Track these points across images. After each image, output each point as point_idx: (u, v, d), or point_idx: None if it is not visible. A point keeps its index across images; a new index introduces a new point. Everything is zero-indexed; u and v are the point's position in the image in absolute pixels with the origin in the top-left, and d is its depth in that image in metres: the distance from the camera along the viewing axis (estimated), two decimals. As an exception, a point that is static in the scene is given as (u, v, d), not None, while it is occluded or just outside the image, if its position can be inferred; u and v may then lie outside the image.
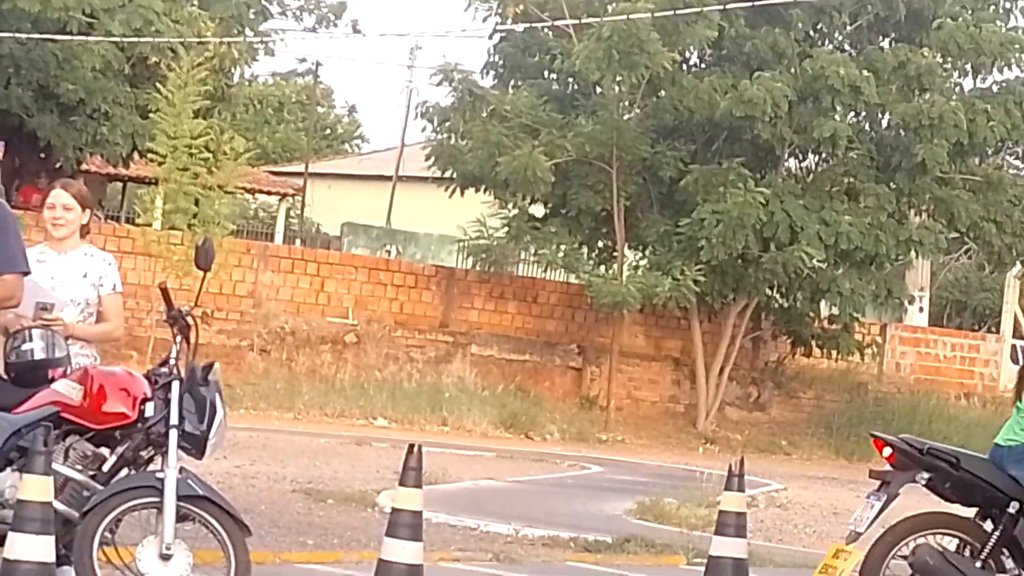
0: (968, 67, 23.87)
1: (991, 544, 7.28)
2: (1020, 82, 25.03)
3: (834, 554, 7.53)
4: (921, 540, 7.43)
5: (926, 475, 7.34)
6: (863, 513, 7.45)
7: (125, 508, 6.10)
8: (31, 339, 6.27)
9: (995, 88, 24.28)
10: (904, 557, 7.32)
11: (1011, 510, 7.22)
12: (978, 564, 7.29)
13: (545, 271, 25.43)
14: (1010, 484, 7.31)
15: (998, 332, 30.31)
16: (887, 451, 7.56)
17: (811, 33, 24.09)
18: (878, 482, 7.55)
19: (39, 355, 6.27)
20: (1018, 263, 27.42)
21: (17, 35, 21.17)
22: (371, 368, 23.50)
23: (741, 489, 8.28)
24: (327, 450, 17.41)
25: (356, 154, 43.10)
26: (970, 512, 7.53)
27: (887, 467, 7.56)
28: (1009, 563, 7.29)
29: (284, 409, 21.32)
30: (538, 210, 25.03)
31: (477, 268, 25.09)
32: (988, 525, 7.42)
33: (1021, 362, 9.03)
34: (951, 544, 7.55)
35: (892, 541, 7.43)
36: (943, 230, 24.50)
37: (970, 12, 24.77)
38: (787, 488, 17.98)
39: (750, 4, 22.41)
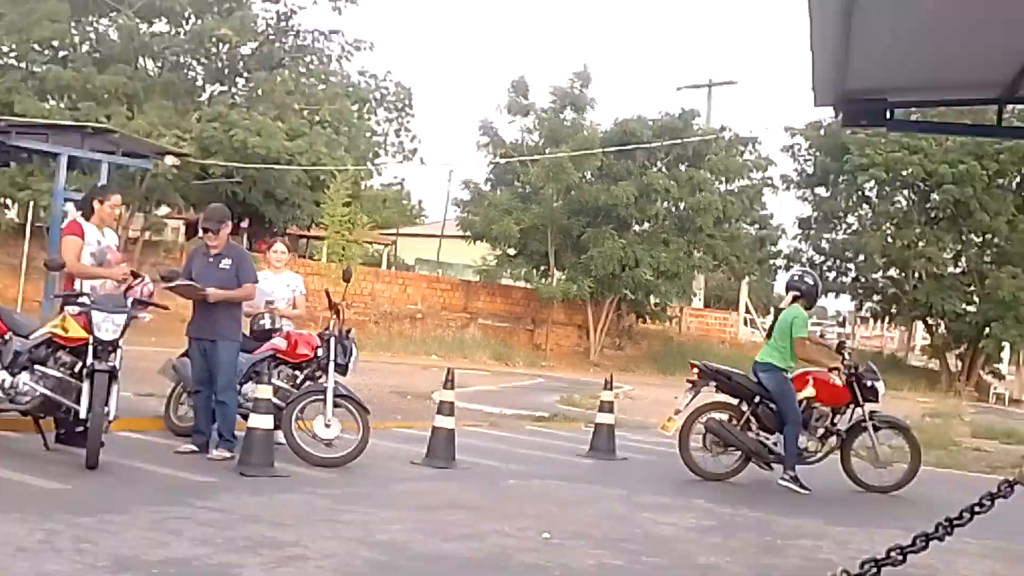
0: (723, 179, 36.03)
1: (745, 417, 10.75)
2: (749, 188, 36.96)
3: (667, 420, 10.88)
4: (710, 414, 10.89)
5: (714, 382, 10.85)
6: (682, 400, 10.86)
7: (307, 401, 9.52)
8: (264, 318, 10.37)
9: (735, 189, 36.62)
10: (703, 423, 10.79)
11: (756, 400, 10.72)
12: (738, 427, 10.74)
13: (515, 282, 37.66)
14: (758, 386, 10.75)
15: (738, 311, 44.64)
16: (695, 369, 11.03)
17: (645, 162, 35.55)
18: (690, 384, 11.01)
19: (268, 326, 10.32)
20: (747, 276, 41.01)
21: (255, 166, 30.46)
22: (429, 330, 34.76)
23: (611, 389, 12.62)
24: (408, 372, 23.02)
25: (422, 224, 58.61)
26: (735, 400, 10.94)
27: (695, 378, 11.02)
28: (754, 426, 10.80)
29: (386, 351, 28.90)
30: (511, 252, 36.63)
31: (481, 280, 37.30)
32: (744, 407, 10.83)
33: (772, 312, 12.00)
34: (725, 416, 10.91)
35: (696, 414, 10.83)
36: (710, 261, 37.45)
37: (734, 152, 36.46)
38: (634, 389, 24.29)
39: (615, 149, 34.48)
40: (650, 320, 39.08)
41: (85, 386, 8.49)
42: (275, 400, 9.39)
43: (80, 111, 29.53)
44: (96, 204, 9.44)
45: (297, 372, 10.32)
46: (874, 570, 2.35)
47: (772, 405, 10.85)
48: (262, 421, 8.95)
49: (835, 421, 11.16)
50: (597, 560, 6.77)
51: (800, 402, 10.82)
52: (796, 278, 11.32)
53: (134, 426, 10.66)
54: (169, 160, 23.42)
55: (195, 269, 9.75)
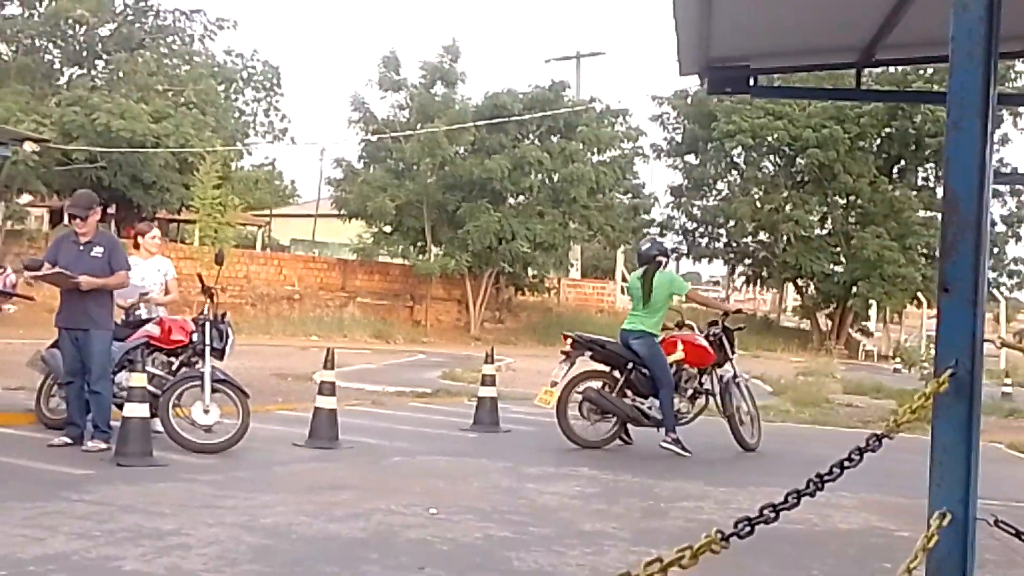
0: (595, 149, 36.67)
1: (620, 384, 10.89)
2: (621, 158, 37.59)
3: (544, 393, 10.97)
4: (586, 384, 11.00)
5: (588, 352, 10.98)
6: (557, 372, 10.97)
7: (184, 387, 9.45)
8: (140, 309, 10.25)
9: (607, 159, 37.03)
10: (579, 392, 10.93)
11: (629, 367, 10.81)
12: (614, 395, 10.89)
13: (393, 259, 37.56)
14: (630, 353, 10.86)
15: (614, 279, 44.74)
16: (569, 340, 11.08)
17: (518, 135, 36.05)
18: (564, 356, 11.07)
19: (143, 315, 10.20)
20: (622, 245, 41.43)
21: (120, 150, 30.60)
22: (307, 311, 34.42)
23: (492, 362, 12.79)
24: (287, 353, 23.00)
25: (295, 204, 57.84)
26: (608, 368, 11.02)
27: (569, 349, 11.05)
28: (629, 393, 10.93)
29: (264, 334, 29.37)
30: (387, 229, 36.44)
31: (358, 259, 37.01)
32: (617, 374, 10.94)
33: (641, 275, 11.10)
34: (600, 384, 11.02)
35: (572, 384, 10.98)
36: (585, 231, 37.75)
37: (605, 123, 36.84)
38: (515, 361, 24.59)
39: (487, 123, 34.80)
40: (529, 292, 39.39)
41: (-51, 382, 8.18)
42: (150, 388, 9.29)
43: (-69, 99, 28.56)
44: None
45: (172, 359, 10.14)
46: (748, 528, 2.40)
47: (644, 371, 10.99)
48: (138, 410, 8.81)
49: (702, 381, 11.36)
50: (484, 533, 6.80)
51: (670, 365, 10.99)
52: (649, 245, 11.57)
53: (4, 421, 10.40)
54: (29, 147, 22.58)
55: (64, 257, 9.47)
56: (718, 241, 44.10)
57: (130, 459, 8.67)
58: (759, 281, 45.98)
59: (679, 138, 43.09)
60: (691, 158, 43.31)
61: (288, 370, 18.48)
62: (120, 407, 9.13)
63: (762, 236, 43.34)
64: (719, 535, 2.35)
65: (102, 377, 9.40)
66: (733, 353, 11.44)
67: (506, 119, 35.36)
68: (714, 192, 44.21)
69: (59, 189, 32.66)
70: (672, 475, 9.64)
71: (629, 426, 11.29)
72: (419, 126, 34.79)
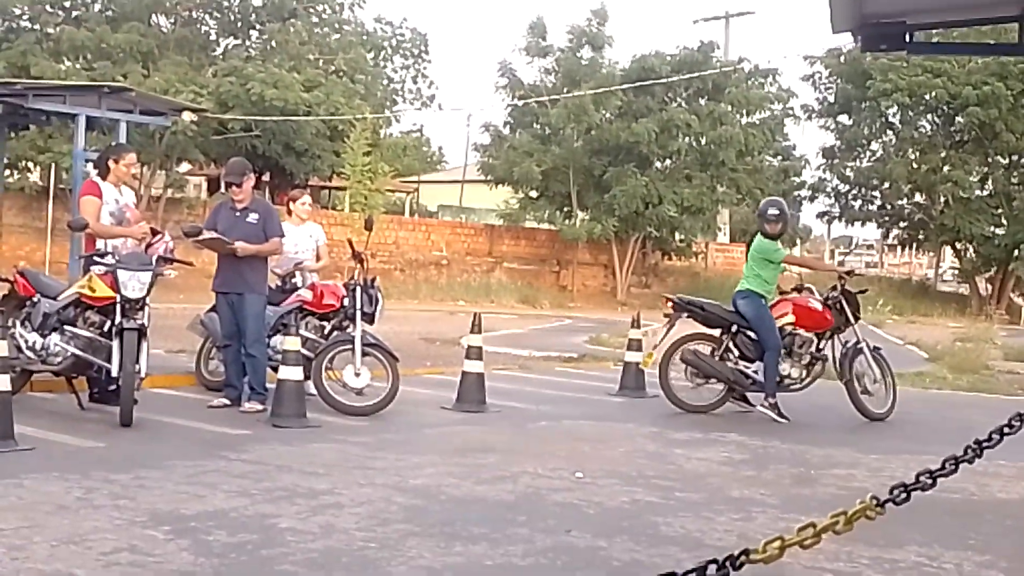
0: (744, 111, 36.50)
1: (723, 347, 10.67)
2: (771, 120, 37.31)
3: (647, 356, 11.43)
4: (688, 345, 10.80)
5: (687, 314, 10.92)
6: (658, 334, 11.23)
7: (336, 350, 9.64)
8: (295, 277, 10.52)
9: (757, 121, 36.81)
10: (681, 356, 10.74)
11: (733, 329, 10.61)
12: (717, 357, 10.66)
13: (539, 224, 37.90)
14: (734, 315, 10.60)
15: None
16: (670, 303, 11.06)
17: (665, 98, 36.00)
18: (666, 318, 11.11)
19: (299, 283, 10.51)
20: (770, 210, 42.92)
21: (273, 118, 31.02)
22: (454, 276, 35.40)
23: (639, 327, 12.75)
24: (435, 318, 23.70)
25: (443, 170, 58.95)
26: (715, 331, 10.80)
27: (670, 311, 11.01)
28: (734, 355, 10.68)
29: (412, 298, 30.11)
30: (533, 194, 36.85)
31: (505, 224, 37.56)
32: (724, 337, 10.69)
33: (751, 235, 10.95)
34: (705, 348, 10.79)
35: (674, 347, 10.87)
36: (734, 195, 37.66)
37: (754, 84, 37.06)
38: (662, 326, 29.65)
39: (634, 86, 34.87)
40: (676, 257, 39.47)
41: (115, 345, 8.54)
42: (304, 351, 9.46)
43: (96, 71, 29.79)
44: (111, 163, 9.46)
45: (324, 323, 10.37)
46: (903, 495, 2.34)
47: (751, 333, 10.70)
48: (292, 372, 9.00)
49: (821, 347, 10.94)
50: (631, 497, 6.80)
51: (780, 329, 10.67)
52: (760, 206, 11.29)
53: (166, 382, 10.76)
54: (187, 116, 23.37)
55: (221, 223, 9.74)
56: (872, 204, 43.04)
57: (285, 420, 8.90)
58: (915, 245, 44.82)
59: (831, 98, 42.11)
60: (844, 118, 42.37)
61: (436, 334, 18.69)
62: (275, 370, 9.35)
63: (918, 198, 42.21)
64: (874, 501, 2.29)
65: (257, 340, 9.66)
66: (857, 318, 10.95)
67: (653, 82, 35.13)
68: (868, 153, 43.15)
69: (216, 158, 33.47)
70: (823, 442, 9.48)
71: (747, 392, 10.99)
72: (565, 91, 34.90)
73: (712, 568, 2.04)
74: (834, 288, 10.97)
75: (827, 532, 2.22)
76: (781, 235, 11.11)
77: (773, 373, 10.59)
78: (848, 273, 11.37)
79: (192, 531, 5.40)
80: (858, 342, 10.88)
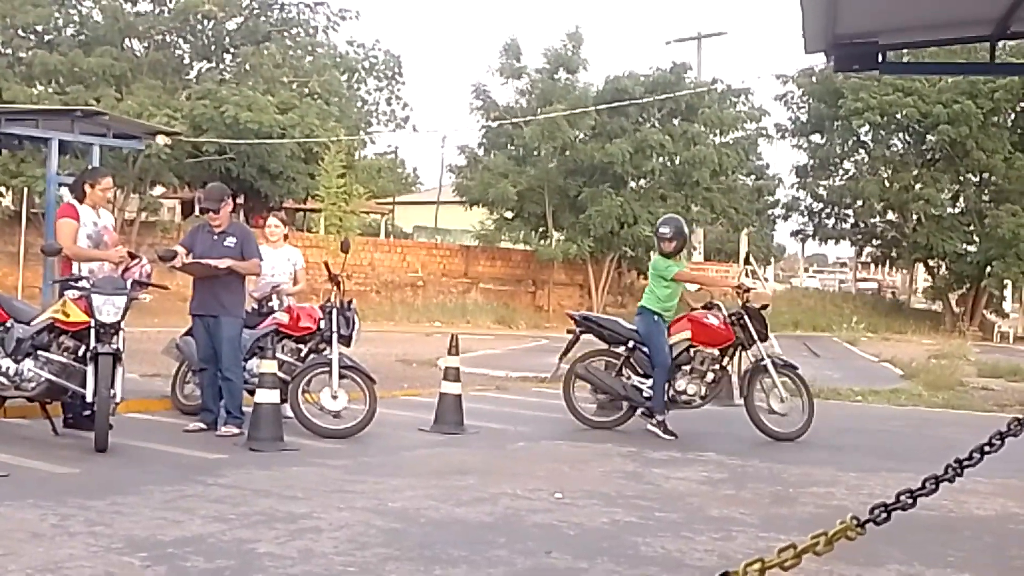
0: (717, 131, 36.72)
1: (620, 363, 10.78)
2: (744, 140, 37.59)
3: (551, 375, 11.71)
4: (585, 362, 10.93)
5: (587, 331, 11.04)
6: (563, 351, 11.16)
7: (313, 373, 9.67)
8: (272, 300, 10.52)
9: (730, 141, 37.10)
10: (576, 372, 10.87)
11: (630, 345, 10.68)
12: (614, 373, 10.77)
13: (515, 245, 38.08)
14: (632, 332, 10.74)
15: (738, 262, 43.25)
16: (572, 322, 11.31)
17: (639, 118, 36.13)
18: (571, 334, 11.18)
19: (276, 306, 10.45)
20: (746, 227, 41.17)
21: (248, 141, 30.75)
22: (430, 297, 35.44)
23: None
24: (411, 339, 23.43)
25: (418, 191, 58.90)
26: (613, 346, 10.88)
27: (573, 327, 11.17)
28: (627, 372, 10.71)
29: (388, 320, 30.39)
30: (509, 215, 37.06)
31: (480, 245, 37.36)
32: (623, 352, 10.74)
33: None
34: (600, 364, 10.91)
35: (576, 363, 11.01)
36: (708, 214, 37.89)
37: (727, 104, 36.88)
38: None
39: (608, 107, 34.72)
40: (653, 277, 39.04)
41: (90, 370, 8.48)
42: (280, 374, 9.47)
43: (68, 95, 29.66)
44: (87, 187, 9.43)
45: (301, 346, 10.34)
46: (884, 515, 2.34)
47: (645, 349, 10.70)
48: (269, 396, 9.00)
49: (723, 364, 10.79)
50: (610, 518, 6.78)
51: (678, 345, 10.64)
52: (658, 226, 11.11)
53: (141, 407, 10.69)
54: (161, 140, 23.26)
55: (199, 247, 9.74)
56: (845, 222, 43.29)
57: (262, 444, 8.87)
58: (888, 262, 44.99)
59: (804, 117, 42.39)
60: (816, 137, 42.62)
61: (412, 356, 18.68)
62: (252, 393, 9.35)
63: (891, 216, 42.43)
64: (854, 521, 2.29)
65: (234, 363, 9.62)
66: (764, 336, 10.66)
67: (627, 103, 35.16)
68: (840, 171, 43.42)
69: (190, 180, 33.49)
70: (801, 460, 9.50)
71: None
72: (539, 111, 34.85)
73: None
74: (742, 302, 10.90)
75: (807, 553, 2.21)
76: (677, 252, 11.09)
77: (660, 390, 10.53)
78: (741, 288, 11.17)
79: (170, 557, 5.35)
80: (761, 360, 10.61)
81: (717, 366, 10.70)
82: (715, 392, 10.78)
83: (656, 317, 10.63)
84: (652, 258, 11.01)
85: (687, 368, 10.64)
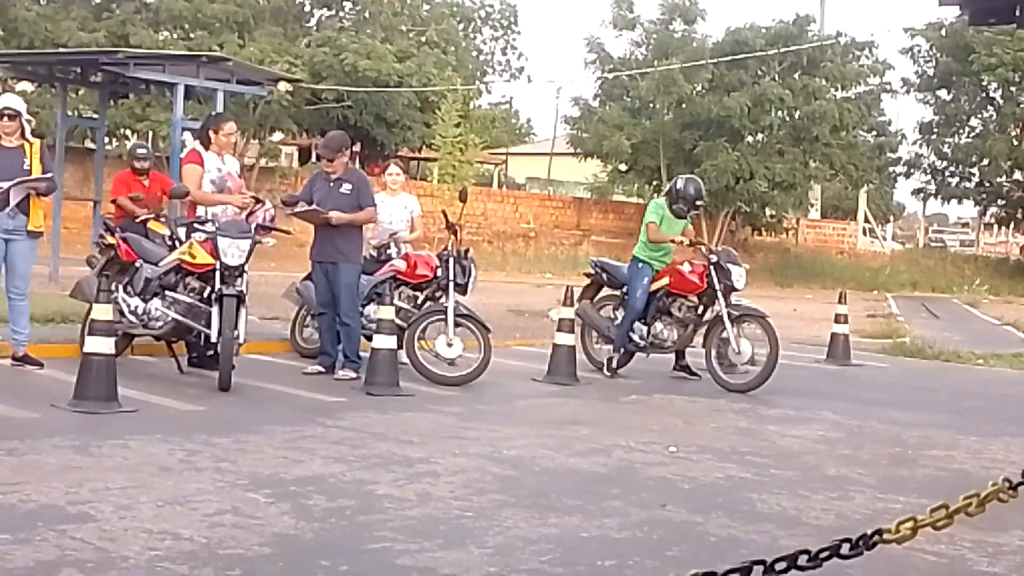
0: (839, 86, 35.77)
1: (618, 304, 11.28)
2: (867, 94, 36.72)
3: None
4: (603, 304, 11.41)
5: (599, 276, 11.53)
6: (581, 294, 11.42)
7: (429, 321, 9.84)
8: (390, 247, 10.61)
9: (852, 96, 36.11)
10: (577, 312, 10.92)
11: (624, 289, 11.08)
12: (600, 311, 11.33)
13: (628, 198, 38.47)
14: (625, 276, 11.13)
15: (856, 220, 43.69)
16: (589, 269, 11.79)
17: (758, 71, 35.40)
18: (588, 278, 11.69)
19: (393, 253, 10.58)
20: (865, 184, 40.61)
21: (366, 89, 31.40)
22: (542, 248, 34.95)
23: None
24: (523, 290, 22.90)
25: (531, 142, 59.11)
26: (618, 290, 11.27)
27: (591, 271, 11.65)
28: (618, 314, 11.12)
29: (501, 270, 29.05)
30: (622, 168, 36.91)
31: (593, 198, 38.13)
32: (619, 294, 11.24)
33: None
34: (612, 306, 11.33)
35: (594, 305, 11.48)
36: (827, 170, 37.31)
37: (850, 58, 36.36)
38: (751, 302, 24.84)
39: (727, 59, 34.36)
40: (766, 232, 38.80)
41: (214, 311, 8.72)
42: (397, 321, 9.57)
43: (193, 41, 30.25)
44: (212, 133, 9.67)
45: (417, 293, 10.47)
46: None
47: None
48: (386, 341, 9.10)
49: (700, 313, 10.96)
50: (724, 473, 6.76)
51: (657, 291, 10.90)
52: (674, 181, 11.37)
53: (262, 349, 10.94)
54: (283, 86, 23.61)
55: (317, 194, 9.87)
56: (969, 181, 41.70)
57: (379, 388, 8.98)
58: (1012, 223, 43.59)
59: (931, 72, 40.88)
60: (943, 93, 41.13)
61: (524, 306, 18.66)
62: (369, 339, 9.49)
63: (1018, 176, 40.88)
64: (1007, 483, 2.23)
65: (351, 309, 9.76)
66: (729, 289, 10.61)
67: (746, 55, 34.52)
68: (967, 129, 41.71)
69: (308, 127, 33.90)
70: (920, 423, 9.34)
71: (689, 360, 11.26)
72: (656, 64, 34.42)
73: (845, 547, 2.02)
74: (705, 254, 10.93)
75: (959, 513, 2.17)
76: (680, 216, 11.11)
77: (624, 330, 10.93)
78: (691, 244, 11.12)
79: (292, 495, 5.49)
80: (721, 312, 10.57)
81: (693, 314, 10.97)
82: (689, 338, 11.09)
83: (641, 264, 10.96)
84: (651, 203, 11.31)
85: (665, 314, 10.98)
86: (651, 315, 10.93)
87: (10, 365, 8.93)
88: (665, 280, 10.92)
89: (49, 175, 8.88)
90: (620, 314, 11.15)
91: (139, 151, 11.37)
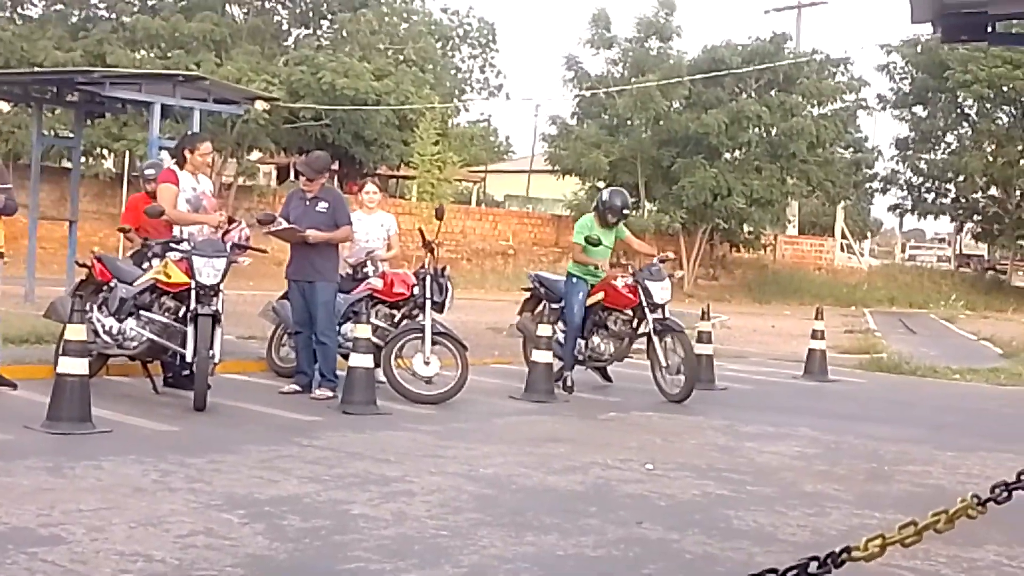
0: (815, 102, 35.91)
1: (557, 318, 11.31)
2: (843, 111, 36.78)
3: (510, 325, 12.63)
4: (525, 315, 11.73)
5: (537, 289, 11.80)
6: (520, 307, 11.95)
7: (406, 339, 9.77)
8: (367, 266, 10.53)
9: (828, 112, 36.24)
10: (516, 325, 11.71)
11: (561, 303, 11.24)
12: (536, 324, 11.11)
13: None
14: (562, 291, 11.31)
15: (834, 236, 43.92)
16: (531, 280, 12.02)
17: (735, 88, 35.42)
18: (527, 292, 11.97)
19: (370, 272, 10.48)
20: (842, 200, 40.80)
21: (344, 107, 31.42)
22: (521, 266, 34.25)
23: (708, 319, 13.04)
24: (502, 308, 20.61)
25: (510, 160, 59.23)
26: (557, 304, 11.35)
27: (531, 286, 11.86)
28: (558, 328, 11.17)
29: (480, 288, 29.09)
30: (601, 185, 34.27)
31: (572, 214, 35.47)
32: (557, 307, 11.32)
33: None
34: (535, 318, 11.38)
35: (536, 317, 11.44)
36: (804, 186, 37.18)
37: (826, 74, 36.36)
38: (730, 319, 24.15)
39: (704, 76, 34.19)
40: (744, 249, 38.88)
41: (190, 330, 8.68)
42: (374, 339, 9.55)
43: (170, 59, 30.24)
44: (188, 153, 9.64)
45: (394, 311, 10.46)
46: (1005, 494, 2.28)
47: None
48: (362, 360, 9.09)
49: (635, 326, 11.21)
50: (702, 490, 6.75)
51: (593, 306, 11.10)
52: (600, 194, 11.61)
53: (238, 368, 10.89)
54: (260, 105, 23.60)
55: (293, 212, 9.88)
56: (945, 197, 41.95)
57: (355, 407, 8.96)
58: (989, 239, 43.65)
59: (907, 88, 41.16)
60: (919, 109, 41.47)
61: (503, 324, 18.44)
62: (345, 357, 9.48)
63: (993, 191, 41.09)
64: (975, 499, 2.24)
65: (328, 327, 9.75)
66: (653, 306, 10.85)
67: (724, 72, 34.63)
68: (943, 145, 42.02)
69: (286, 146, 33.98)
70: (897, 438, 9.34)
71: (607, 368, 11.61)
72: (632, 81, 34.45)
73: (813, 565, 2.01)
74: (631, 273, 11.21)
75: (928, 530, 2.17)
76: (607, 225, 11.29)
77: (568, 347, 11.13)
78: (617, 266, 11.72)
79: (267, 515, 5.45)
80: (651, 326, 10.88)
81: (628, 328, 11.20)
82: (625, 351, 11.33)
83: (575, 280, 11.14)
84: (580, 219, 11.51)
85: (602, 328, 11.21)
86: (588, 329, 11.19)
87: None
88: (600, 295, 11.14)
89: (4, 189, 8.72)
90: (560, 328, 11.29)
91: (148, 172, 10.97)
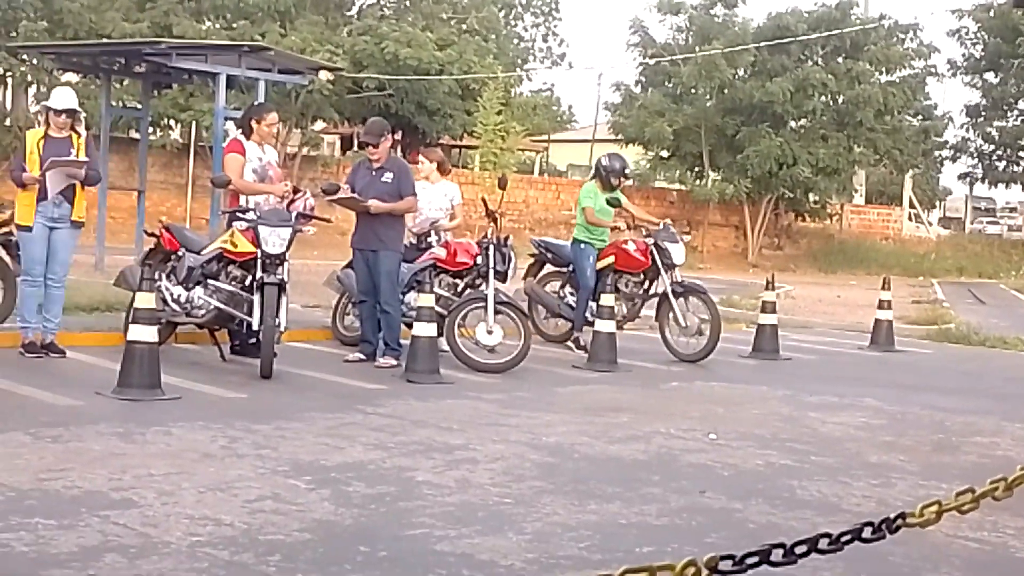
0: (883, 69, 35.42)
1: (564, 282, 11.72)
2: (912, 78, 36.23)
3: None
4: (548, 282, 11.87)
5: (544, 254, 11.97)
6: (526, 272, 11.88)
7: (469, 308, 9.87)
8: (430, 235, 10.68)
9: (897, 79, 35.75)
10: (525, 290, 11.56)
11: (571, 268, 11.51)
12: (546, 288, 11.82)
13: (670, 184, 38.03)
14: (567, 254, 11.63)
15: (901, 206, 43.43)
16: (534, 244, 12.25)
17: (801, 56, 35.02)
18: (532, 257, 12.02)
19: (434, 241, 10.65)
20: (910, 169, 40.37)
21: (407, 77, 31.15)
22: None
23: (772, 288, 12.78)
24: None
25: (572, 129, 59.19)
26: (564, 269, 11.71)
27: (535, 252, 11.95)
28: (566, 291, 11.54)
29: None
30: (664, 154, 36.61)
31: (635, 184, 36.14)
32: (566, 271, 11.66)
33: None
34: (543, 282, 11.85)
35: (541, 282, 11.88)
36: (871, 155, 36.94)
37: (894, 40, 35.90)
38: (795, 289, 23.65)
39: (769, 44, 34.11)
40: (809, 218, 38.62)
41: (256, 299, 8.79)
42: (437, 308, 9.60)
43: (235, 30, 30.32)
44: (254, 123, 9.73)
45: (457, 280, 10.53)
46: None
47: None
48: (426, 329, 9.13)
49: (647, 288, 11.51)
50: (765, 460, 6.73)
51: (605, 269, 11.19)
52: (598, 160, 11.83)
53: (303, 336, 11.00)
54: (324, 75, 23.69)
55: (359, 182, 9.91)
56: (1017, 165, 41.28)
57: (419, 376, 9.01)
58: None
59: (978, 54, 40.42)
60: (991, 76, 40.67)
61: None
62: (409, 326, 9.53)
63: (1067, 160, 40.43)
64: (1037, 467, 2.21)
65: (392, 296, 9.80)
66: (668, 266, 11.18)
67: (789, 40, 34.19)
68: (1015, 112, 41.29)
69: (350, 116, 33.86)
70: (964, 409, 9.25)
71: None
72: (697, 49, 34.17)
73: (868, 531, 2.00)
74: (646, 234, 11.50)
75: (986, 497, 2.15)
76: (610, 188, 11.47)
77: (580, 309, 11.31)
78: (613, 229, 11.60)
79: (332, 482, 5.52)
80: (667, 288, 11.19)
81: (640, 290, 11.52)
82: (637, 312, 11.66)
83: (583, 245, 11.35)
84: (585, 187, 11.75)
85: (616, 289, 11.24)
86: (600, 292, 11.18)
87: (24, 354, 8.88)
88: (611, 259, 11.34)
89: (85, 160, 8.90)
90: (568, 291, 11.60)
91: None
